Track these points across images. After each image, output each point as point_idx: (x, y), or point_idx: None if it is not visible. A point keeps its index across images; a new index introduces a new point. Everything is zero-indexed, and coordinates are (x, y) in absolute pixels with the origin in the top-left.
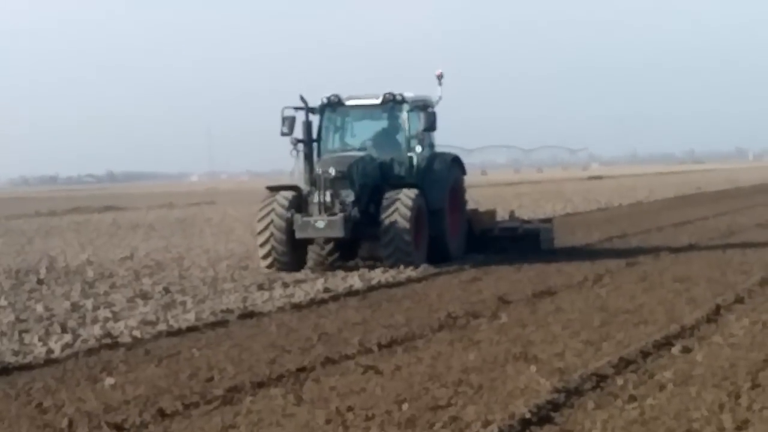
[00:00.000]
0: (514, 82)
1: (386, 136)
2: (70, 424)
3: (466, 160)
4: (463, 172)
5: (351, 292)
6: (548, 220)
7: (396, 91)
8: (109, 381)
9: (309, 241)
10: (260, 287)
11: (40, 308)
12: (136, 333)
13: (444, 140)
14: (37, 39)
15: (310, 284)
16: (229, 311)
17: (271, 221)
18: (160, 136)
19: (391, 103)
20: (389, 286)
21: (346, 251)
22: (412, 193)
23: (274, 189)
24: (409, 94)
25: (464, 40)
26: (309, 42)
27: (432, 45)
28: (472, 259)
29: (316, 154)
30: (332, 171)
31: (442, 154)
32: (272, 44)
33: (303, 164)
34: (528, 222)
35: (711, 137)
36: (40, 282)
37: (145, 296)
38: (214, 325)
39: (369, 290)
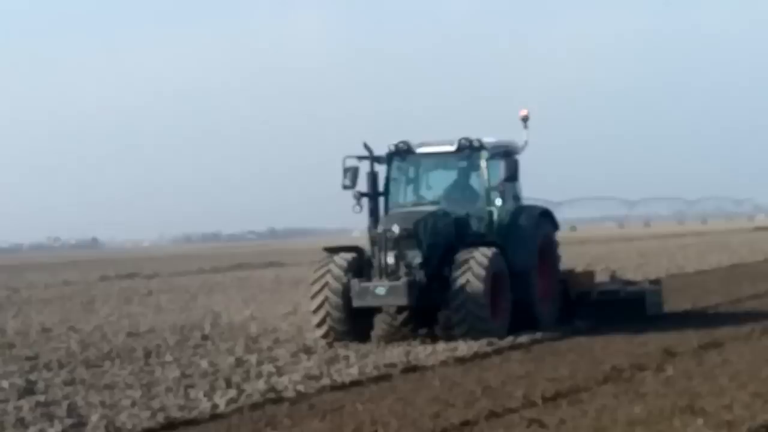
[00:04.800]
0: (678, 133)
1: (463, 188)
2: None
3: (628, 211)
4: (555, 227)
5: (515, 346)
6: (656, 282)
7: (473, 136)
8: None
9: (375, 309)
10: (423, 341)
11: (204, 364)
12: (300, 387)
13: (604, 192)
14: (197, 97)
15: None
16: (392, 365)
17: (326, 284)
18: (320, 192)
19: (468, 150)
20: (553, 339)
21: (421, 319)
22: (489, 251)
23: (332, 250)
24: (488, 140)
25: (628, 91)
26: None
27: (595, 92)
28: (565, 329)
29: (383, 210)
30: (396, 229)
31: (530, 208)
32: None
33: (368, 221)
34: (632, 283)
35: None
36: (204, 338)
37: (308, 351)
38: (377, 379)
39: (533, 343)
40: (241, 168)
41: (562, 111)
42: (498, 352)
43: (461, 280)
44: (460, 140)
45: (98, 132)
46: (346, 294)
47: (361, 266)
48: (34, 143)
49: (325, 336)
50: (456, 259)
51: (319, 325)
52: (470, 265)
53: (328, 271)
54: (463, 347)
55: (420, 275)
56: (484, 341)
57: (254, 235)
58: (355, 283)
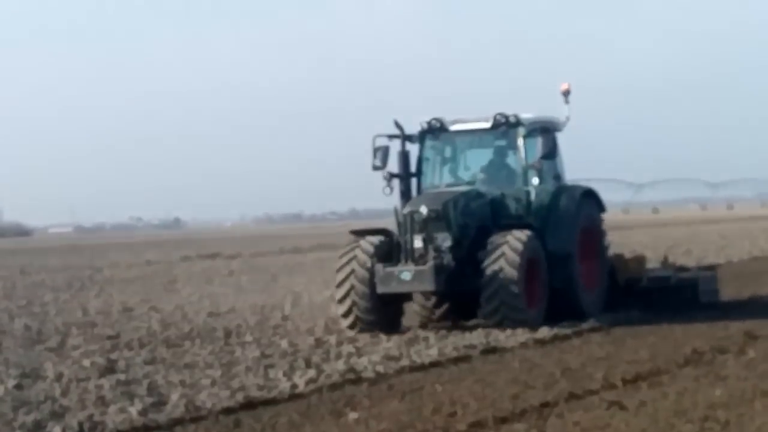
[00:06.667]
0: (761, 115)
1: (499, 167)
2: None
3: (711, 193)
4: (601, 209)
5: (595, 329)
6: (710, 268)
7: (512, 112)
8: (353, 416)
9: (405, 296)
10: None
11: (284, 344)
12: (379, 368)
13: (688, 174)
14: (279, 81)
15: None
16: (471, 347)
17: (352, 271)
18: None
19: (504, 127)
20: (633, 323)
21: (461, 307)
22: (524, 234)
23: (359, 233)
24: (526, 115)
25: (711, 75)
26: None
27: (678, 76)
28: (611, 318)
29: (416, 191)
30: (423, 210)
31: (571, 188)
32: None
33: (399, 203)
34: (685, 270)
35: None
36: (284, 318)
37: (387, 332)
38: (456, 361)
39: (613, 326)
40: (323, 149)
41: (647, 95)
42: (578, 334)
43: (494, 267)
44: (495, 116)
45: (182, 113)
46: (372, 281)
47: (390, 250)
48: (117, 125)
49: (351, 327)
50: (489, 243)
51: (346, 315)
52: (503, 251)
53: (354, 257)
54: (543, 329)
55: (449, 259)
56: (564, 323)
57: (336, 216)
58: (380, 268)
